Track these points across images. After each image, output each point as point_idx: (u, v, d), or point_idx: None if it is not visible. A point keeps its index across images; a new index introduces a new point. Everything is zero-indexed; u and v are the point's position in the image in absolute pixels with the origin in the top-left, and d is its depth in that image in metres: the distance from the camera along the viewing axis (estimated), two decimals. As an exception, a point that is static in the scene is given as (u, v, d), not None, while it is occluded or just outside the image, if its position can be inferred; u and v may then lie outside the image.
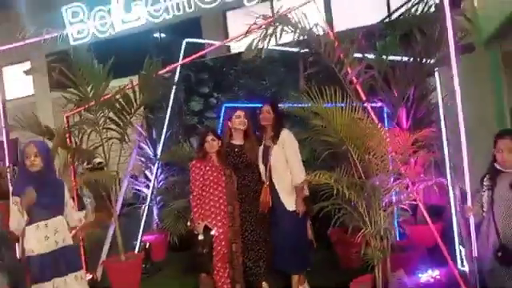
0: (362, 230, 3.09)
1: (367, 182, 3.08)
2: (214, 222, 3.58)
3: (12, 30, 5.17)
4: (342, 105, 3.23)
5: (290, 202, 3.63)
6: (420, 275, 3.56)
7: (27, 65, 15.04)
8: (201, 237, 3.51)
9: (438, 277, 3.50)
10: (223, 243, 3.59)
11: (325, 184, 3.15)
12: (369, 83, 3.85)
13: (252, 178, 3.78)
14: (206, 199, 3.60)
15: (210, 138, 3.69)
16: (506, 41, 5.68)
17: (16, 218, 2.86)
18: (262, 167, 3.76)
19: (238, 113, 3.83)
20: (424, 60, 3.79)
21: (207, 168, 3.62)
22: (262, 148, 3.80)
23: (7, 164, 4.44)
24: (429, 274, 3.56)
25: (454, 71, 3.14)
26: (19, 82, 15.51)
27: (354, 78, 3.70)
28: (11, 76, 15.54)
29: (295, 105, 4.21)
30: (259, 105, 3.89)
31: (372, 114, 3.66)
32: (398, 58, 3.87)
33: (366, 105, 3.69)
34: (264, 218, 3.75)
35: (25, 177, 2.95)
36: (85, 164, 4.90)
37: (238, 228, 3.68)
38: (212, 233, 3.54)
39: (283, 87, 5.38)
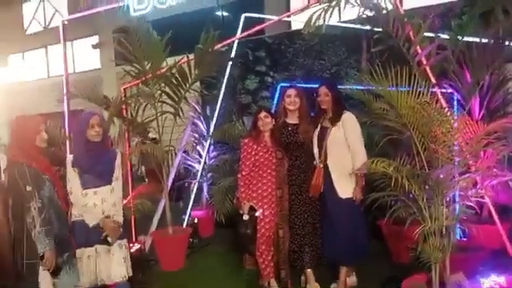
0: (422, 226, 2.82)
1: (430, 173, 2.80)
2: (260, 203, 3.47)
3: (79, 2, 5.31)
4: (408, 88, 2.95)
5: (344, 189, 3.41)
6: (482, 280, 3.23)
7: (95, 39, 15.70)
8: (245, 217, 3.42)
9: (504, 283, 3.16)
10: (268, 226, 3.47)
11: (382, 173, 2.92)
12: (440, 66, 3.49)
13: (304, 159, 3.61)
14: (255, 180, 3.48)
15: (263, 114, 3.56)
16: None
17: (76, 187, 2.90)
18: (316, 149, 3.57)
19: (289, 92, 3.67)
20: (506, 42, 3.37)
21: (259, 148, 3.49)
22: (318, 129, 3.59)
23: (67, 133, 4.57)
24: (493, 280, 3.22)
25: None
26: (87, 56, 16.26)
27: (423, 58, 3.36)
28: (81, 50, 16.32)
29: (355, 87, 3.95)
30: (316, 85, 3.68)
31: (441, 99, 3.32)
32: (476, 39, 3.47)
33: (435, 90, 3.36)
34: (313, 203, 3.58)
35: (83, 147, 2.98)
36: (139, 138, 4.95)
37: (286, 213, 3.55)
38: (257, 214, 3.43)
39: (343, 68, 5.11)
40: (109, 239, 2.91)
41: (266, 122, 3.54)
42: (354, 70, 4.95)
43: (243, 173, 3.49)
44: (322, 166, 3.49)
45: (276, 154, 3.53)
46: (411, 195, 2.94)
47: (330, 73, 5.26)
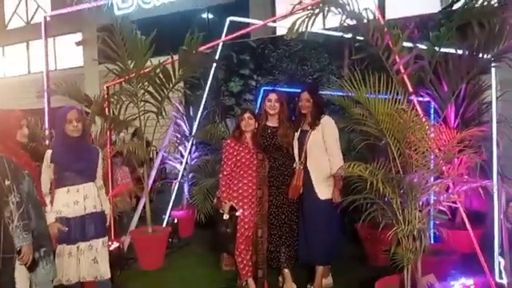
0: (394, 228, 2.92)
1: (405, 177, 2.89)
2: (240, 203, 3.51)
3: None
4: (387, 96, 3.04)
5: (322, 191, 3.51)
6: (452, 282, 3.34)
7: (79, 36, 15.51)
8: (225, 216, 3.46)
9: (473, 287, 3.28)
10: (247, 226, 3.52)
11: (358, 176, 3.00)
12: (418, 75, 3.61)
13: (282, 161, 3.69)
14: (236, 180, 3.53)
15: (247, 115, 3.62)
16: None
17: (45, 183, 2.91)
18: (296, 151, 3.66)
19: (270, 96, 3.75)
20: (480, 54, 3.50)
21: (240, 149, 3.54)
22: (298, 133, 3.70)
23: (47, 129, 4.54)
24: (462, 282, 3.33)
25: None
26: (70, 53, 16.03)
27: (401, 67, 3.47)
28: (63, 46, 16.07)
29: (336, 93, 4.04)
30: (298, 90, 3.77)
31: (418, 107, 3.43)
32: (452, 50, 3.60)
33: (412, 98, 3.47)
34: (291, 204, 3.65)
35: (62, 142, 2.98)
36: (122, 134, 4.93)
37: (265, 213, 3.60)
38: (237, 214, 3.48)
39: (325, 74, 5.22)
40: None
41: (249, 123, 3.60)
42: (336, 76, 5.06)
43: (224, 172, 3.54)
44: (301, 168, 3.58)
45: (257, 155, 3.59)
46: (386, 199, 3.03)
47: (313, 78, 5.35)
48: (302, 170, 3.59)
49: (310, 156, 3.57)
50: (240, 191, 3.52)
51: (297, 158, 3.64)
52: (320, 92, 3.89)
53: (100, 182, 3.16)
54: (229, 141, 3.62)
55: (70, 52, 15.94)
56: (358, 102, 3.21)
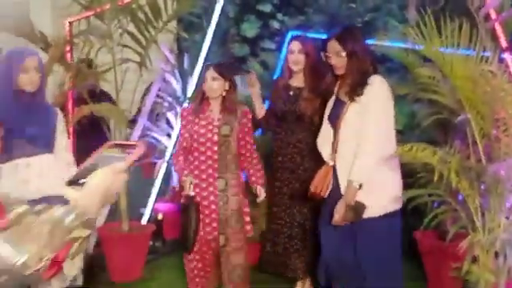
0: (469, 237, 3.05)
1: (488, 167, 3.00)
2: (198, 191, 3.53)
3: None
4: (469, 52, 3.12)
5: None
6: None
7: None
8: (192, 193, 3.46)
9: None
10: (208, 229, 3.54)
11: (423, 164, 3.12)
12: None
13: (303, 136, 3.81)
14: (192, 165, 3.57)
15: (210, 74, 3.54)
16: None
17: None
18: (325, 134, 3.41)
19: (293, 46, 3.84)
20: None
21: (197, 120, 3.56)
22: (331, 102, 3.42)
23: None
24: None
25: None
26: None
27: (492, 11, 3.54)
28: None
29: (395, 44, 4.12)
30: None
31: (512, 69, 3.52)
32: None
33: (505, 56, 3.54)
34: (307, 198, 3.58)
35: (10, 97, 3.12)
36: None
37: (230, 214, 3.56)
38: (191, 194, 3.49)
39: (382, 15, 5.27)
40: None
41: (211, 85, 3.53)
42: (397, 19, 5.11)
43: (177, 147, 3.69)
44: (332, 164, 3.31)
45: (220, 129, 3.53)
46: (460, 197, 3.15)
47: (363, 21, 5.41)
48: (330, 167, 3.31)
49: (342, 145, 3.24)
50: (197, 180, 3.53)
51: (327, 147, 3.37)
52: (373, 42, 3.96)
53: (65, 156, 3.31)
54: (185, 108, 3.80)
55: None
56: (427, 58, 3.30)
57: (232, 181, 3.54)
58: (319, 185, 3.29)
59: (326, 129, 3.38)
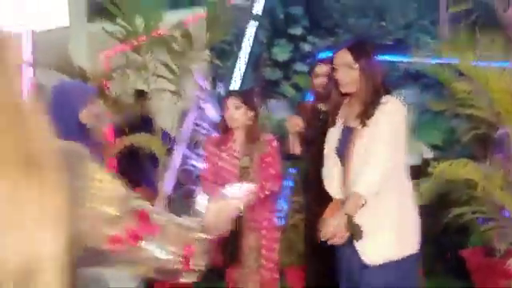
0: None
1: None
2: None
3: None
4: (507, 64, 3.08)
5: (372, 248, 2.58)
6: None
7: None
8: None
9: None
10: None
11: (464, 181, 3.07)
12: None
13: None
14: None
15: (231, 102, 3.28)
16: None
17: None
18: (330, 164, 2.85)
19: (317, 69, 3.74)
20: None
21: (219, 152, 3.37)
22: (336, 131, 2.87)
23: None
24: None
25: None
26: (54, 10, 16.53)
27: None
28: (45, 2, 16.60)
29: (429, 60, 4.09)
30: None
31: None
32: None
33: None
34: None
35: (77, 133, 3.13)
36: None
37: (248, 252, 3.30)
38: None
39: (413, 32, 5.24)
40: None
41: (234, 114, 3.27)
42: (429, 35, 5.08)
43: (201, 180, 3.51)
44: (340, 198, 2.73)
45: (240, 161, 3.34)
46: (507, 213, 3.08)
47: (395, 39, 5.39)
48: (339, 202, 2.72)
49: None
50: None
51: (335, 184, 2.79)
52: (405, 59, 3.94)
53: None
54: (207, 140, 3.68)
55: (54, 9, 16.44)
56: (462, 73, 3.27)
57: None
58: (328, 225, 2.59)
59: (332, 164, 2.82)
